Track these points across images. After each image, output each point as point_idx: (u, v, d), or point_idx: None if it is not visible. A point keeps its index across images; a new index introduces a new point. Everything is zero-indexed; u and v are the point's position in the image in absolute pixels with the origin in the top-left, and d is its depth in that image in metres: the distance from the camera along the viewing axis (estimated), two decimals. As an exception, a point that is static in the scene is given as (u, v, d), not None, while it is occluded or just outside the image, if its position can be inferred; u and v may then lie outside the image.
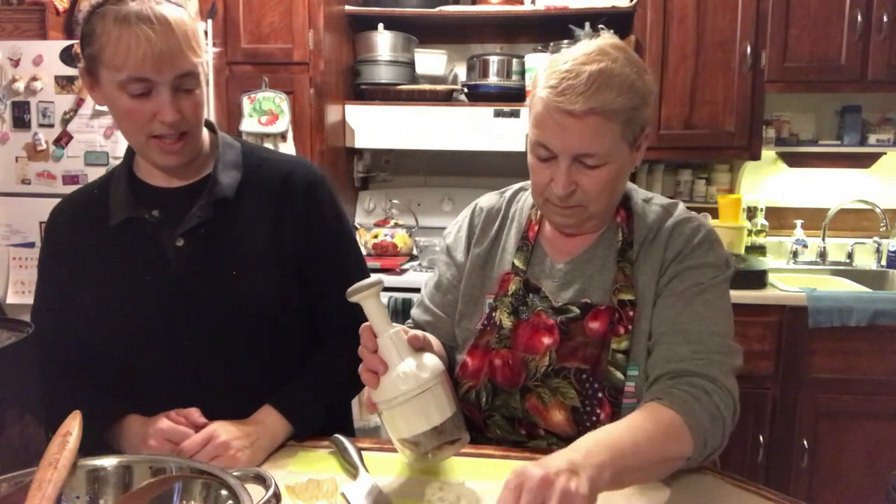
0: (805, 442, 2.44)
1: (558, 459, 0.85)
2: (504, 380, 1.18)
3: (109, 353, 1.20)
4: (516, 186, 1.35)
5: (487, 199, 1.34)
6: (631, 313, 1.13)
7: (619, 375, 1.11)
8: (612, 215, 1.21)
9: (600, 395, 1.12)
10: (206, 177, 1.23)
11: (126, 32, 1.06)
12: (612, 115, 1.06)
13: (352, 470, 1.07)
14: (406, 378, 0.92)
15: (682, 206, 1.23)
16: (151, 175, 1.24)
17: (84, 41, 1.12)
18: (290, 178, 1.27)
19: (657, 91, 1.03)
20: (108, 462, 0.85)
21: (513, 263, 1.24)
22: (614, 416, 1.11)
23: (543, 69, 1.11)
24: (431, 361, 0.95)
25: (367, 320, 0.97)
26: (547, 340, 1.17)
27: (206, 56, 1.16)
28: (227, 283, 1.20)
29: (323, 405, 1.23)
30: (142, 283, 1.19)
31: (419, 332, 0.99)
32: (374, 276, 0.96)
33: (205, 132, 1.25)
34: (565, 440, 1.15)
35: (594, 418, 1.13)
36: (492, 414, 1.20)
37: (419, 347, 0.97)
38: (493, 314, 1.22)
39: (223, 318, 1.20)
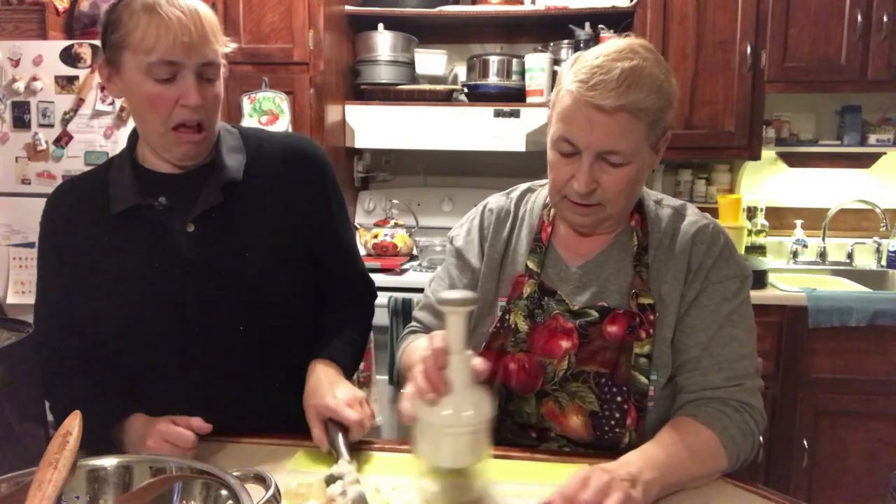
0: (805, 442, 2.44)
1: (619, 470, 0.93)
2: (519, 384, 1.17)
3: (118, 341, 1.20)
4: (523, 187, 1.32)
5: (496, 201, 1.31)
6: (652, 318, 1.13)
7: (644, 380, 1.11)
8: (627, 218, 1.20)
9: (619, 399, 1.12)
10: (210, 163, 1.24)
11: (156, 17, 1.09)
12: (641, 114, 1.05)
13: (335, 454, 1.07)
14: (466, 411, 0.89)
15: (692, 207, 1.22)
16: (156, 164, 1.24)
17: (108, 29, 1.13)
18: (296, 153, 1.29)
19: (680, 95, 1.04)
20: (108, 462, 0.85)
21: (526, 265, 1.22)
22: (640, 420, 1.11)
23: (570, 65, 1.10)
24: (488, 401, 0.93)
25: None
26: (566, 344, 1.15)
27: (226, 49, 1.18)
28: (240, 265, 1.21)
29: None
30: (151, 270, 1.19)
31: (484, 366, 0.95)
32: (469, 293, 0.93)
33: None
34: (578, 444, 1.16)
35: (612, 422, 1.12)
36: (503, 419, 1.19)
37: (479, 379, 0.95)
38: (507, 317, 1.20)
39: (235, 301, 1.21)
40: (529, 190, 1.31)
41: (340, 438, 1.09)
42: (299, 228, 1.26)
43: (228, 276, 1.20)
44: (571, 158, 1.10)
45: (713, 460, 1.04)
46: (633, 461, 0.97)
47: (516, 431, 1.20)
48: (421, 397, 0.91)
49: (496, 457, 1.12)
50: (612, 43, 1.10)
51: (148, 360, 1.20)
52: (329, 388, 1.15)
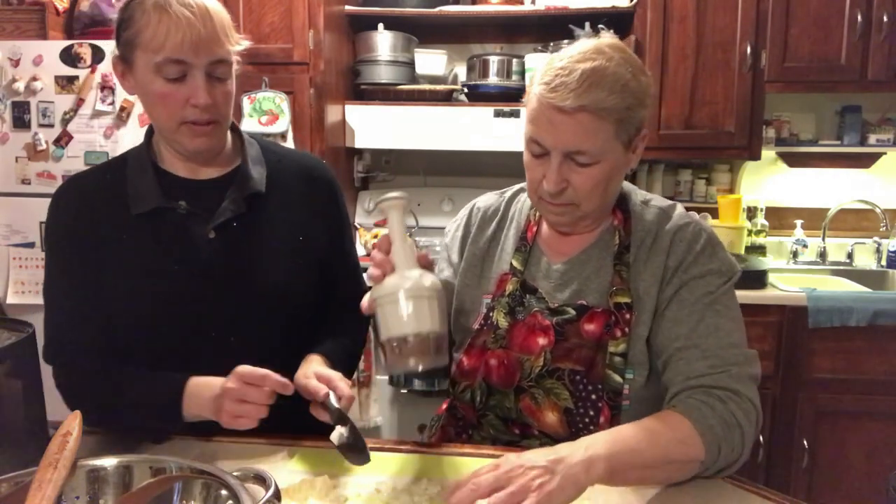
0: (805, 442, 2.44)
1: (544, 456, 0.89)
2: (499, 380, 1.18)
3: (132, 341, 1.20)
4: (516, 187, 1.35)
5: (485, 199, 1.35)
6: (628, 316, 1.13)
7: (618, 378, 1.11)
8: (609, 216, 1.21)
9: (594, 396, 1.12)
10: (232, 171, 1.25)
11: (166, 16, 1.09)
12: (604, 113, 1.05)
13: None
14: (409, 279, 0.97)
15: (680, 207, 1.22)
16: (174, 166, 1.24)
17: (121, 27, 1.14)
18: (313, 174, 1.33)
19: (655, 92, 1.04)
20: (108, 462, 0.85)
21: (511, 264, 1.24)
22: (613, 419, 1.11)
23: (540, 67, 1.12)
24: (435, 279, 1.00)
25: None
26: (542, 341, 1.17)
27: (238, 47, 1.19)
28: (257, 275, 1.22)
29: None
30: (171, 274, 1.19)
31: (429, 255, 1.03)
32: (400, 192, 1.03)
33: None
34: (557, 441, 1.15)
35: (587, 420, 1.13)
36: (486, 413, 1.21)
37: (425, 266, 1.01)
38: (491, 314, 1.22)
39: (251, 309, 1.22)
40: (522, 190, 1.33)
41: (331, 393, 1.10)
42: (313, 243, 1.29)
43: (245, 284, 1.22)
44: (542, 159, 1.12)
45: (682, 446, 0.98)
46: (580, 441, 0.93)
47: (499, 427, 1.21)
48: (371, 280, 1.00)
49: (489, 456, 1.12)
50: (580, 44, 1.11)
51: (160, 361, 1.19)
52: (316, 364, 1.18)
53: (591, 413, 1.12)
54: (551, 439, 1.16)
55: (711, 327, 1.10)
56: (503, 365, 1.18)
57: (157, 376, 1.16)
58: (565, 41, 2.85)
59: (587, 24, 2.80)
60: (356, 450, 1.04)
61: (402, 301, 0.95)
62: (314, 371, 1.14)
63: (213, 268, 1.20)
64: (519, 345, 1.18)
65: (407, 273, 0.98)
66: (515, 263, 1.23)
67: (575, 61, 1.06)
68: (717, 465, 1.01)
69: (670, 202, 1.23)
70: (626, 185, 1.24)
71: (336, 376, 1.13)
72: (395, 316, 0.96)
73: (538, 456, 0.89)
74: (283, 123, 2.66)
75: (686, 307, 1.12)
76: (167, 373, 1.16)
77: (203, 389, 1.13)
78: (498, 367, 1.18)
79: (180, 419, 1.13)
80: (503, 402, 1.18)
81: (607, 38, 1.13)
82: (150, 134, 1.26)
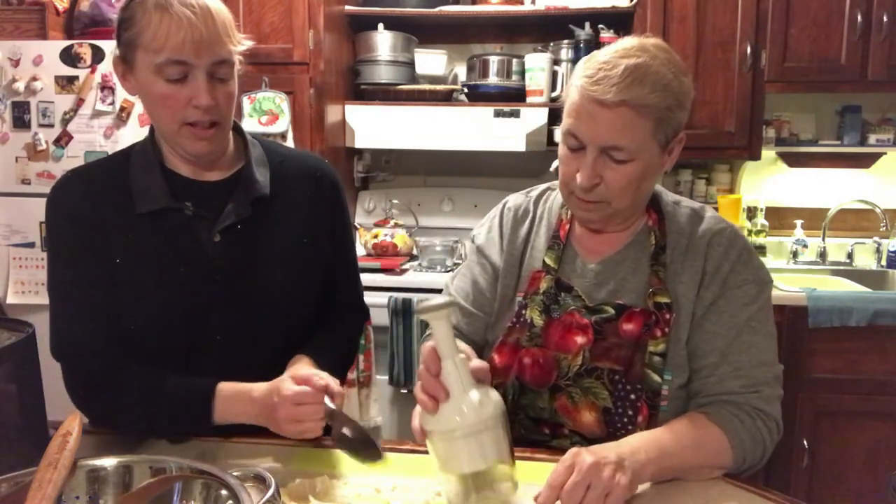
0: (805, 442, 2.44)
1: (609, 451, 0.95)
2: (532, 379, 1.18)
3: (137, 340, 1.18)
4: (542, 187, 1.35)
5: (514, 200, 1.34)
6: (668, 316, 1.13)
7: (657, 378, 1.12)
8: (641, 216, 1.21)
9: (632, 396, 1.12)
10: (236, 173, 1.25)
11: (167, 16, 1.08)
12: (644, 110, 1.06)
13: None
14: (468, 412, 0.88)
15: (710, 210, 1.23)
16: (177, 166, 1.23)
17: (122, 26, 1.13)
18: (316, 174, 1.32)
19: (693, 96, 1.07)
20: (108, 462, 0.85)
21: (543, 262, 1.23)
22: (652, 418, 1.11)
23: (584, 61, 1.13)
24: (494, 398, 0.91)
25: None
26: (580, 339, 1.16)
27: (241, 47, 1.18)
28: (261, 279, 1.22)
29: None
30: (177, 275, 1.18)
31: (483, 364, 1.01)
32: (445, 297, 0.95)
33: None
34: (590, 441, 1.16)
35: (625, 419, 1.13)
36: (517, 412, 1.20)
37: (480, 379, 0.95)
38: (524, 312, 1.21)
39: (255, 312, 1.22)
40: (549, 189, 1.33)
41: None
42: (316, 246, 1.29)
43: (250, 288, 1.21)
44: (578, 153, 1.11)
45: (717, 456, 1.06)
46: (629, 443, 1.00)
47: (529, 426, 1.20)
48: (423, 409, 0.92)
49: (519, 458, 1.12)
50: (625, 41, 1.12)
51: (162, 362, 1.19)
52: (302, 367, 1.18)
53: (630, 413, 1.12)
54: (584, 439, 1.16)
55: (745, 344, 1.13)
56: (538, 364, 1.17)
57: (185, 379, 1.16)
58: (565, 41, 2.86)
59: (587, 24, 2.81)
60: (365, 446, 1.04)
61: (463, 438, 0.87)
62: (292, 375, 1.12)
63: (218, 271, 1.19)
64: (555, 343, 1.17)
65: (465, 400, 0.88)
66: (548, 261, 1.23)
67: (619, 56, 1.07)
68: (735, 470, 1.08)
69: (700, 204, 1.24)
70: (656, 186, 1.24)
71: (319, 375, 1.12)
72: (457, 454, 0.88)
73: (601, 449, 0.96)
74: (283, 123, 2.66)
75: (724, 320, 1.13)
76: (193, 377, 1.16)
77: (238, 399, 1.13)
78: (532, 366, 1.17)
79: (210, 423, 1.14)
80: (536, 401, 1.18)
81: (652, 38, 1.13)
82: (154, 130, 1.24)
